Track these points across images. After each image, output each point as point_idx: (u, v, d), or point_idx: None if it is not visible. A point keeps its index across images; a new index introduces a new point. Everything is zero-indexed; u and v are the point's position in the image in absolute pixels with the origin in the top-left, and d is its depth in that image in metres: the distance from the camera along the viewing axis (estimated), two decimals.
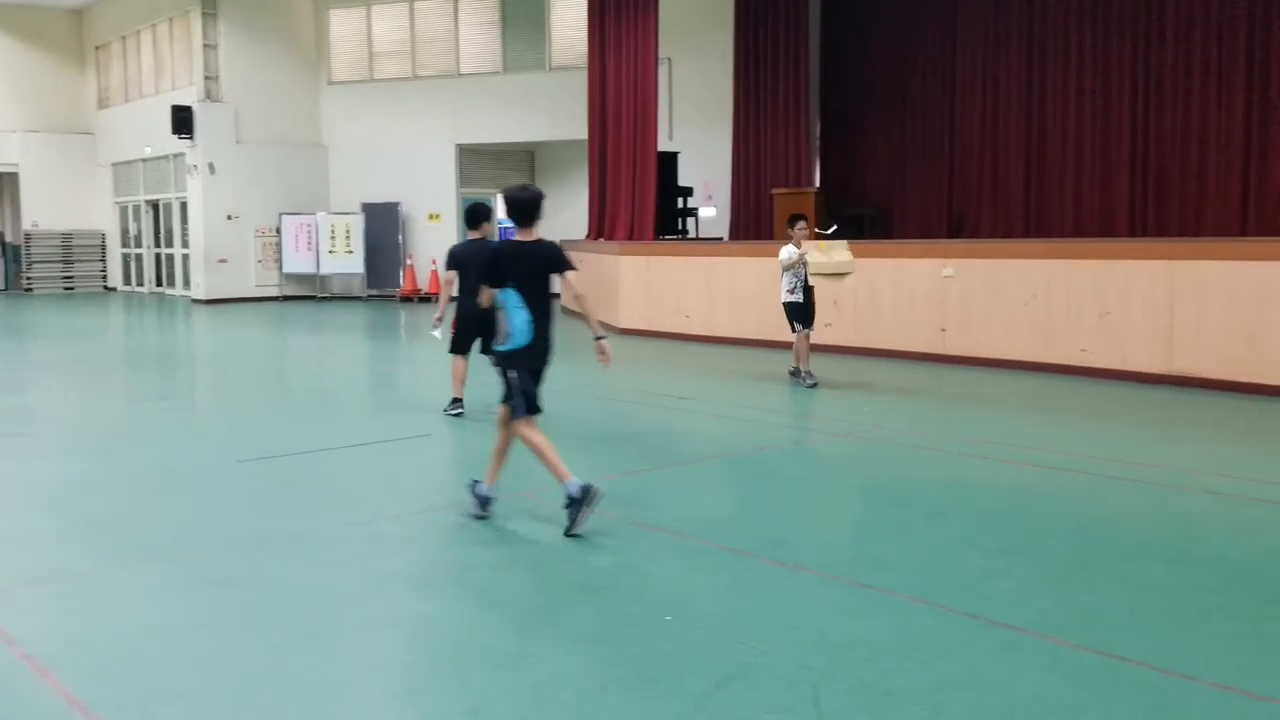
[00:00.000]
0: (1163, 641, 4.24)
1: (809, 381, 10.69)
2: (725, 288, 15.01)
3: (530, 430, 5.96)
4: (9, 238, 29.46)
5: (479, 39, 24.16)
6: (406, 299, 24.09)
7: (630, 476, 7.30)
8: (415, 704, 3.85)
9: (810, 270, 10.51)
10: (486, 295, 5.96)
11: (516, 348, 5.93)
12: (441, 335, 9.45)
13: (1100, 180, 15.59)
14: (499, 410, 6.13)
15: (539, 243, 6.03)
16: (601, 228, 18.98)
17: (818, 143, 19.38)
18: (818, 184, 18.60)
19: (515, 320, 5.89)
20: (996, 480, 7.09)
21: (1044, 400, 10.28)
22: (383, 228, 24.43)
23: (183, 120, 23.61)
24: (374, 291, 24.96)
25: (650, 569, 5.25)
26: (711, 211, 20.10)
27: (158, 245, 27.52)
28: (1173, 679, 3.89)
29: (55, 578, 5.19)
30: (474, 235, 9.23)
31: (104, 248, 29.30)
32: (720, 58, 19.69)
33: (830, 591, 4.90)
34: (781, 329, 13.30)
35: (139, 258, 28.30)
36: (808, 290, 10.75)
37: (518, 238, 6.02)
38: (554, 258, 6.04)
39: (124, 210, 28.64)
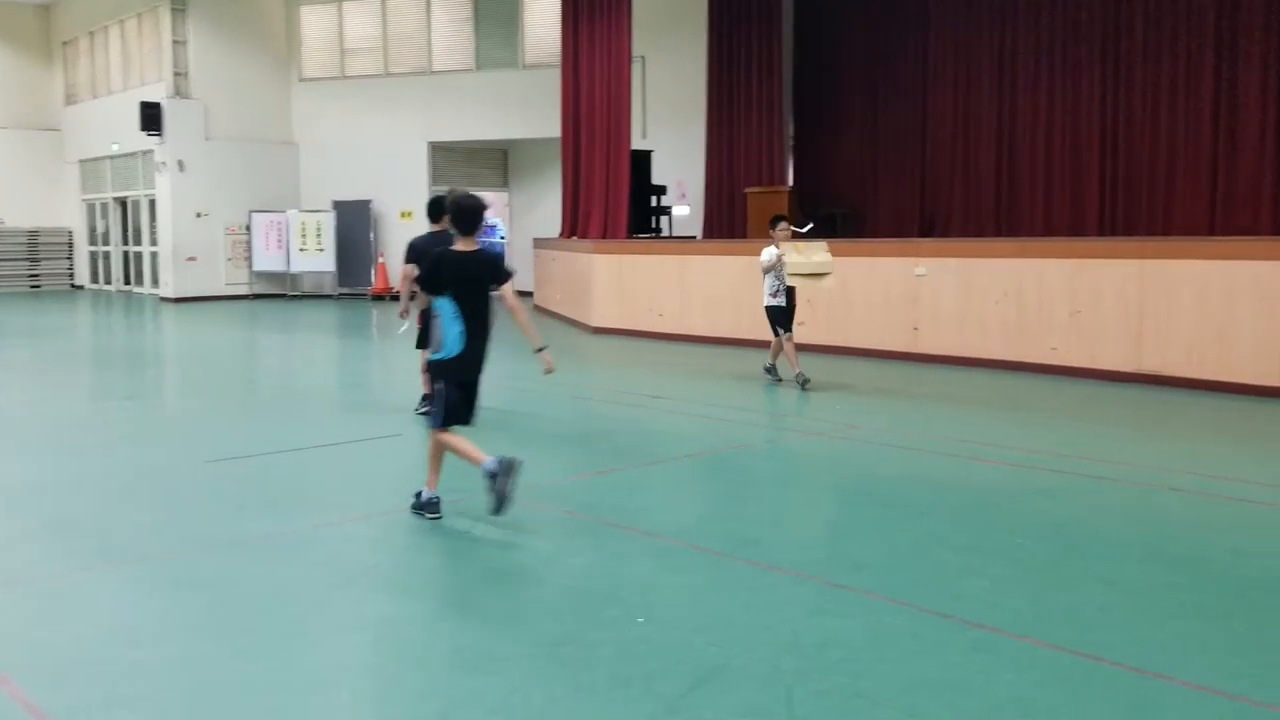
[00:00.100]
0: (1136, 640, 4.23)
1: (803, 380, 10.56)
2: (699, 286, 14.98)
3: (446, 439, 5.95)
4: None
5: (451, 36, 24.04)
6: (378, 297, 23.95)
7: (603, 476, 7.25)
8: (383, 708, 3.78)
9: (788, 271, 10.46)
10: (421, 300, 5.89)
11: (447, 358, 5.88)
12: (408, 329, 9.37)
13: (1070, 180, 15.68)
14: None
15: (479, 252, 5.98)
16: (575, 226, 18.93)
17: (791, 142, 19.41)
18: (791, 183, 18.62)
19: (449, 331, 5.84)
20: (970, 479, 7.08)
21: (1016, 399, 10.31)
22: (354, 226, 24.28)
23: (151, 117, 23.37)
24: (345, 290, 24.80)
25: (623, 570, 5.20)
26: (685, 210, 20.09)
27: (126, 243, 27.23)
28: (1147, 678, 3.88)
29: (15, 581, 5.09)
30: (436, 228, 9.13)
31: (71, 245, 28.97)
32: (694, 56, 19.67)
33: (804, 592, 4.87)
34: (756, 328, 13.29)
35: (107, 256, 28.00)
36: (790, 293, 10.69)
37: (458, 246, 5.95)
38: (492, 268, 5.99)
39: (91, 207, 28.33)
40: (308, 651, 4.25)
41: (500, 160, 25.94)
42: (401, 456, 8.12)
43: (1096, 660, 4.02)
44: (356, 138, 24.54)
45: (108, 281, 28.07)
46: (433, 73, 24.18)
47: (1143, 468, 7.26)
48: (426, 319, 9.14)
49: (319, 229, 24.26)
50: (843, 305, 13.05)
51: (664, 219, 19.02)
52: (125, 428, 9.28)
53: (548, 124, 21.18)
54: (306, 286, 25.29)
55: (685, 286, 15.16)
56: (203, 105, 23.97)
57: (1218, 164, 14.17)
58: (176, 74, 23.81)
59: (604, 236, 17.45)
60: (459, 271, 5.85)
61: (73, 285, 28.98)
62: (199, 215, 24.08)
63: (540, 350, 6.12)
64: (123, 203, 26.93)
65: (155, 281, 25.43)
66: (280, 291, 24.99)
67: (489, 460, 5.75)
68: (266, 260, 24.54)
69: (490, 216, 26.79)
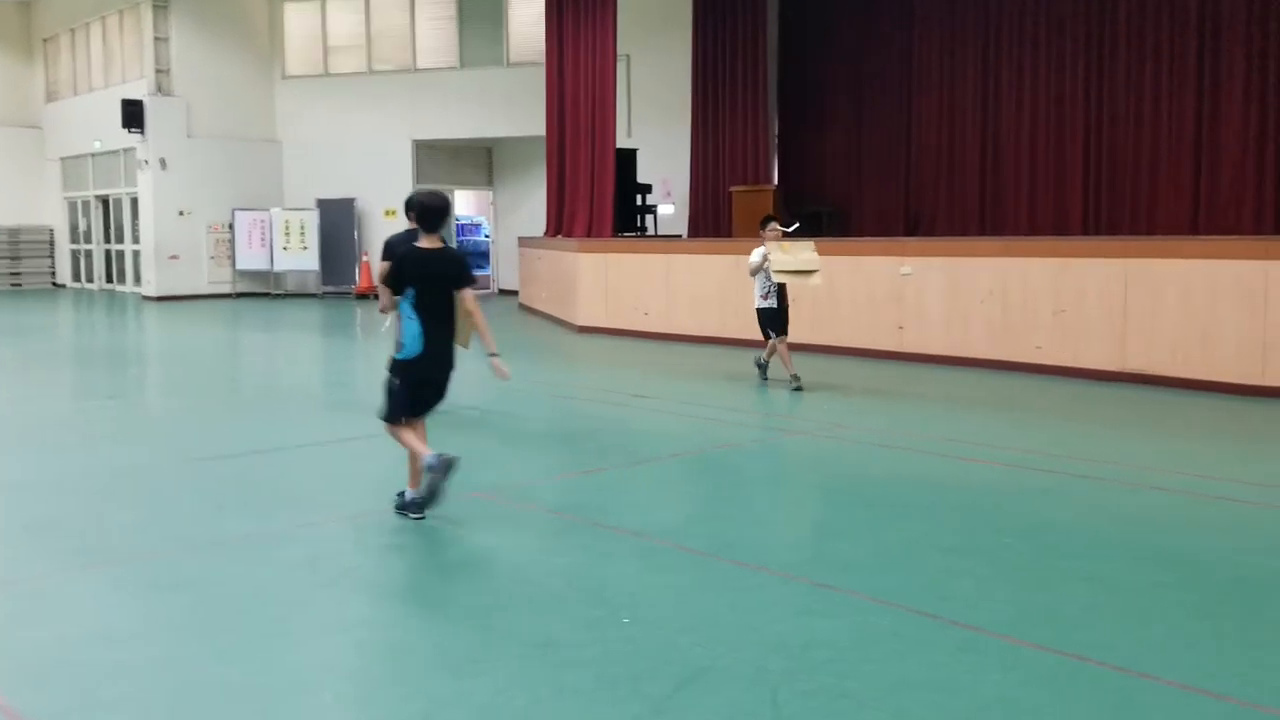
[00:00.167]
0: (1122, 640, 4.23)
1: (793, 385, 10.51)
2: (684, 285, 14.96)
3: (399, 431, 5.94)
4: None
5: (436, 34, 23.96)
6: (362, 296, 23.86)
7: (588, 476, 7.23)
8: (366, 710, 3.75)
9: (774, 268, 10.38)
10: (386, 298, 5.88)
11: (405, 358, 5.86)
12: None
13: (1054, 179, 15.73)
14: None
15: (444, 251, 5.96)
16: (560, 225, 18.89)
17: (776, 141, 19.40)
18: (776, 182, 18.62)
19: (408, 330, 5.82)
20: (955, 478, 7.07)
21: (1001, 398, 10.31)
22: (338, 224, 24.18)
23: (133, 114, 23.24)
24: (329, 288, 24.70)
25: (608, 570, 5.18)
26: (670, 209, 20.07)
27: (108, 241, 27.06)
28: (1132, 678, 3.87)
29: None
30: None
31: (52, 244, 28.79)
32: (679, 55, 19.65)
33: (790, 592, 4.85)
34: (742, 327, 13.30)
35: (88, 254, 27.83)
36: (781, 295, 10.60)
37: (422, 244, 5.93)
38: (456, 269, 5.97)
39: (73, 205, 28.15)
40: (290, 653, 4.21)
41: (485, 158, 25.87)
42: (383, 456, 8.05)
43: (1082, 660, 4.01)
44: (340, 135, 24.44)
45: (89, 280, 27.90)
46: (417, 70, 24.10)
47: (1128, 467, 7.27)
48: None
49: (303, 227, 24.16)
50: (828, 304, 13.05)
51: (649, 218, 19.00)
52: (107, 427, 9.21)
53: (533, 122, 21.13)
54: (290, 285, 25.18)
55: (670, 285, 15.14)
56: (185, 102, 23.84)
57: (1200, 164, 14.23)
58: (159, 71, 23.68)
59: (589, 235, 17.41)
60: (422, 269, 5.83)
61: (54, 284, 28.79)
62: (181, 213, 23.95)
63: (493, 355, 6.03)
64: (104, 200, 26.77)
65: (137, 280, 25.28)
66: (264, 290, 24.87)
67: (430, 455, 5.73)
68: (249, 259, 24.42)
69: (476, 215, 26.84)
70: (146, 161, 23.58)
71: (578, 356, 13.98)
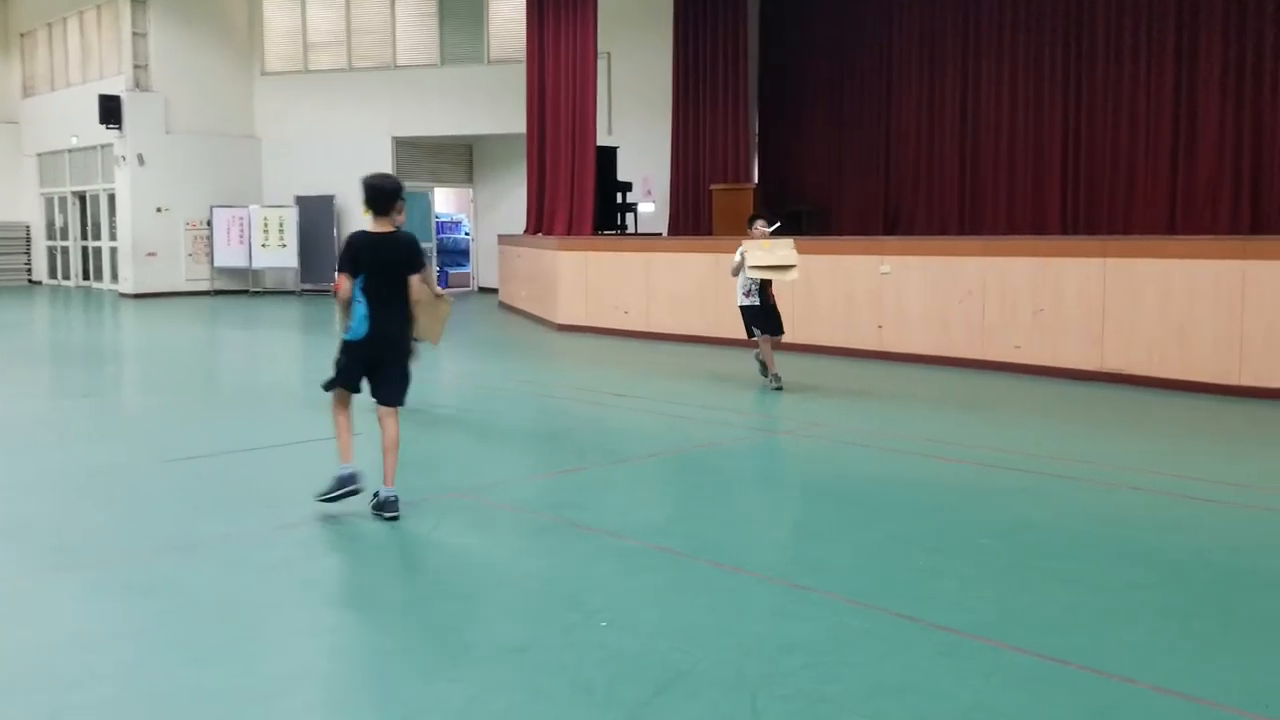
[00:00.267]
0: (1101, 642, 4.22)
1: (774, 385, 10.49)
2: (664, 283, 14.93)
3: (335, 410, 6.05)
4: None
5: (416, 31, 23.86)
6: None
7: (565, 475, 7.20)
8: (340, 716, 3.71)
9: (749, 264, 10.34)
10: (344, 287, 5.87)
11: (351, 339, 5.92)
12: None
13: (1033, 179, 15.76)
14: (378, 409, 6.09)
15: (394, 234, 6.00)
16: (540, 222, 18.84)
17: (756, 139, 19.39)
18: (756, 180, 18.61)
19: (356, 312, 5.85)
20: (935, 478, 7.07)
21: (980, 397, 10.33)
22: (317, 221, 24.04)
23: (110, 110, 23.03)
24: (308, 286, 24.55)
25: (585, 572, 5.14)
26: (650, 207, 20.04)
27: (84, 238, 26.85)
28: (1111, 681, 3.86)
29: None
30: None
31: (29, 240, 28.54)
32: (660, 53, 19.61)
33: (768, 593, 4.83)
34: (722, 325, 13.30)
35: (65, 251, 27.60)
36: (764, 294, 10.53)
37: (371, 228, 5.98)
38: (405, 254, 6.01)
39: (49, 202, 27.91)
40: (264, 657, 4.16)
41: (465, 156, 25.78)
42: (362, 456, 8.00)
43: (1062, 663, 4.00)
44: (320, 132, 24.30)
45: (66, 277, 27.67)
46: (397, 67, 23.99)
47: (1107, 467, 7.28)
48: None
49: (281, 224, 24.01)
50: (807, 303, 13.04)
51: (629, 216, 18.96)
52: (82, 426, 9.13)
53: (513, 119, 21.05)
54: (269, 283, 25.02)
55: (651, 284, 15.12)
56: (163, 98, 23.66)
57: (1178, 164, 14.28)
58: (136, 66, 23.48)
59: (569, 233, 17.37)
60: (370, 253, 5.87)
61: (30, 280, 28.55)
62: (159, 210, 23.76)
63: (414, 340, 6.13)
64: (81, 197, 26.55)
65: (114, 277, 25.08)
66: (242, 288, 24.71)
67: (346, 466, 5.90)
68: (228, 256, 24.27)
69: (456, 213, 26.75)
70: (124, 157, 23.39)
71: (557, 355, 13.94)
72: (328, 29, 24.59)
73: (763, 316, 10.52)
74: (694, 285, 14.40)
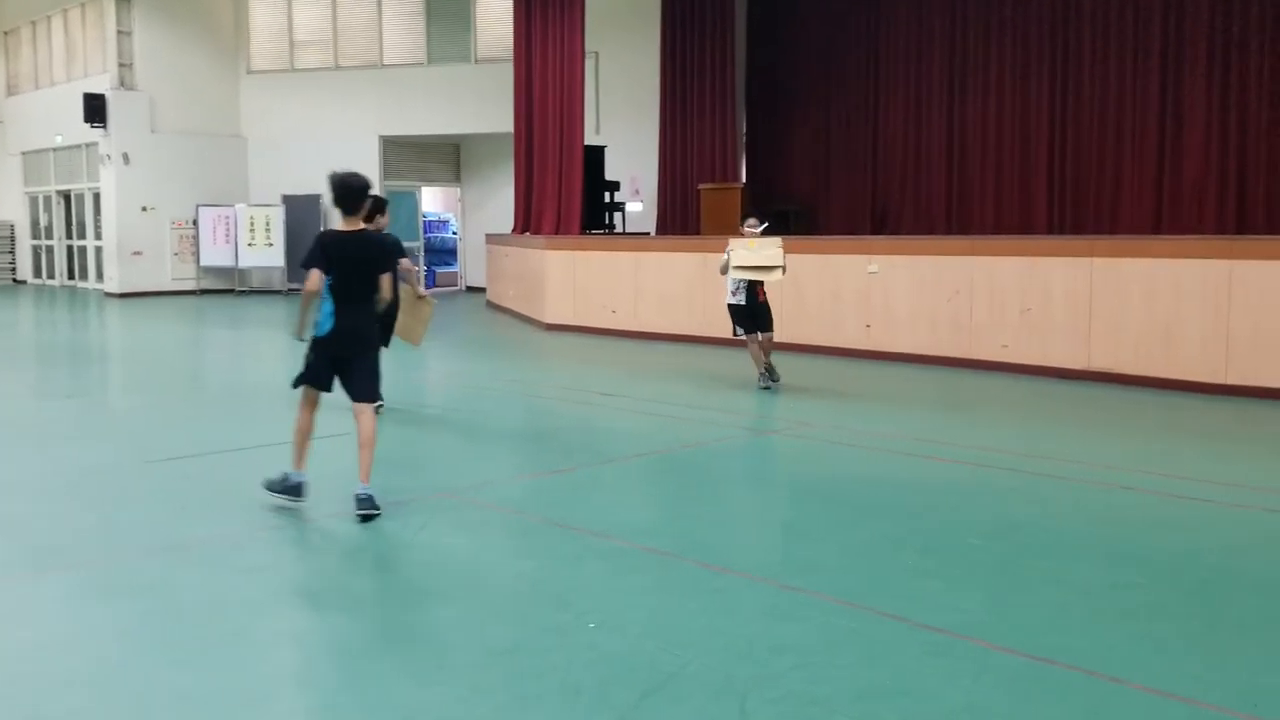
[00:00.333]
0: (1092, 643, 4.21)
1: (761, 384, 10.42)
2: (652, 283, 14.90)
3: (302, 408, 6.08)
4: None
5: (403, 29, 23.79)
6: None
7: (553, 476, 7.16)
8: None
9: (734, 264, 10.30)
10: (314, 279, 5.87)
11: (318, 335, 5.96)
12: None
13: (1020, 179, 15.78)
14: (354, 406, 6.09)
15: (362, 234, 6.08)
16: (528, 222, 18.80)
17: (744, 139, 19.38)
18: (744, 180, 18.60)
19: (323, 308, 5.91)
20: (923, 478, 7.06)
21: (968, 397, 10.33)
22: (304, 220, 23.89)
23: (95, 108, 22.90)
24: (295, 285, 24.40)
25: (572, 573, 5.11)
26: (638, 206, 20.01)
27: (69, 237, 26.69)
28: (1101, 682, 3.85)
29: None
30: (368, 228, 9.09)
31: (13, 239, 28.37)
32: (647, 52, 19.58)
33: (757, 594, 4.80)
34: (710, 325, 13.28)
35: (50, 250, 27.43)
36: (751, 292, 10.46)
37: (340, 226, 6.06)
38: (373, 252, 6.10)
39: (34, 201, 27.74)
40: (248, 661, 4.12)
41: (453, 155, 25.71)
42: (346, 457, 7.94)
43: (1051, 664, 3.99)
44: (306, 131, 24.18)
45: (51, 276, 27.51)
46: (384, 66, 23.91)
47: (1095, 466, 7.28)
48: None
49: (268, 223, 23.91)
50: (795, 303, 13.02)
51: (617, 215, 18.93)
52: (66, 426, 9.06)
53: (501, 119, 21.00)
54: (255, 282, 24.91)
55: (639, 283, 15.08)
56: (148, 97, 23.54)
57: (1164, 164, 14.31)
58: (121, 65, 23.35)
59: (557, 232, 17.33)
60: (338, 251, 5.92)
61: (15, 280, 28.38)
62: (144, 209, 23.63)
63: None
64: (66, 196, 26.39)
65: (100, 276, 24.94)
66: (228, 287, 24.59)
67: (297, 473, 6.01)
68: (214, 255, 24.15)
69: (444, 212, 26.67)
70: (109, 156, 23.26)
71: (545, 354, 13.91)
72: (314, 27, 24.49)
73: (749, 315, 10.47)
74: (682, 285, 14.37)
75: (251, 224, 23.93)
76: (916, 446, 7.91)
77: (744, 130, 19.37)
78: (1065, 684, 3.84)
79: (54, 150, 26.20)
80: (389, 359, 9.79)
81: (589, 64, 18.69)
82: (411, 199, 24.89)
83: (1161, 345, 10.42)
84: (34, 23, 26.97)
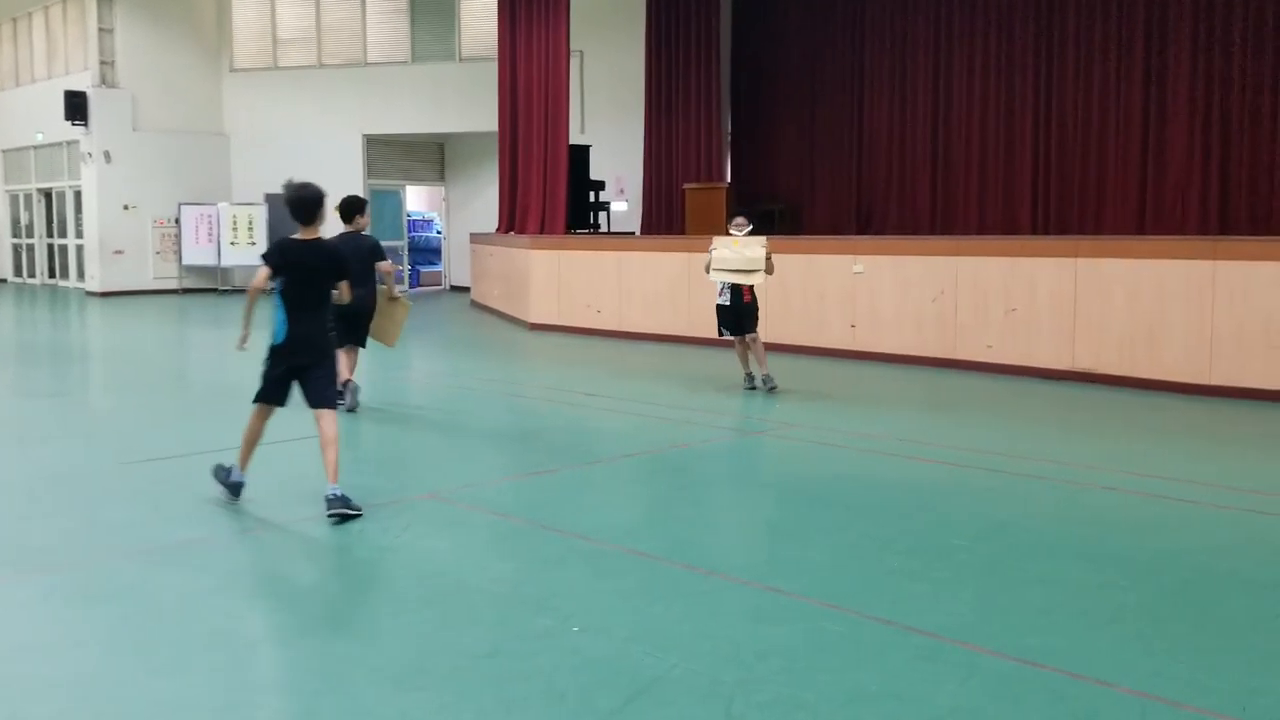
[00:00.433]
0: (1078, 645, 4.19)
1: (747, 385, 10.38)
2: (637, 283, 14.87)
3: (255, 416, 6.21)
4: None
5: (387, 28, 23.69)
6: None
7: (537, 477, 7.12)
8: None
9: (714, 266, 10.23)
10: (260, 276, 5.89)
11: (275, 344, 6.05)
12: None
13: (1004, 179, 15.82)
14: (314, 412, 6.12)
15: (317, 243, 6.13)
16: (512, 221, 18.75)
17: (729, 138, 19.37)
18: (729, 179, 18.59)
19: (276, 317, 5.98)
20: (909, 479, 7.04)
21: (953, 397, 10.32)
22: (287, 219, 23.48)
23: (77, 106, 22.75)
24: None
25: (556, 575, 5.07)
26: (623, 206, 19.98)
27: (50, 236, 26.52)
28: (1088, 685, 3.83)
29: None
30: (348, 229, 9.09)
31: None
32: (632, 51, 19.55)
33: (743, 597, 4.77)
34: (695, 325, 13.25)
35: (30, 248, 27.25)
36: (736, 293, 10.34)
37: (297, 235, 6.10)
38: (326, 262, 6.14)
39: (15, 199, 27.56)
40: (226, 667, 4.06)
41: (437, 154, 25.63)
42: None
43: (1039, 667, 3.97)
44: (289, 130, 24.06)
45: (32, 275, 27.33)
46: (367, 64, 23.81)
47: (1079, 467, 7.28)
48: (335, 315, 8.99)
49: (251, 222, 23.78)
50: (780, 303, 13.00)
51: (602, 215, 18.89)
52: (45, 427, 8.97)
53: (485, 117, 20.94)
54: (238, 281, 24.74)
55: (623, 283, 15.05)
56: (130, 95, 23.39)
57: (1147, 165, 14.36)
58: (103, 62, 23.20)
59: (541, 232, 17.28)
60: (293, 257, 6.00)
61: None
62: (126, 208, 23.49)
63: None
64: (47, 194, 26.22)
65: (81, 275, 24.78)
66: (210, 286, 24.46)
67: (239, 473, 6.15)
68: (196, 254, 24.01)
69: (428, 211, 26.59)
70: (90, 154, 23.11)
71: (529, 354, 13.86)
72: (297, 25, 24.38)
73: (732, 317, 10.41)
74: (667, 284, 14.34)
75: (234, 223, 23.80)
76: (902, 447, 7.89)
77: (729, 130, 19.36)
78: (1053, 687, 3.82)
79: (35, 148, 26.03)
80: (369, 359, 9.82)
81: (574, 63, 18.65)
82: (395, 198, 24.79)
83: (1145, 346, 10.44)
84: (15, 19, 26.79)
